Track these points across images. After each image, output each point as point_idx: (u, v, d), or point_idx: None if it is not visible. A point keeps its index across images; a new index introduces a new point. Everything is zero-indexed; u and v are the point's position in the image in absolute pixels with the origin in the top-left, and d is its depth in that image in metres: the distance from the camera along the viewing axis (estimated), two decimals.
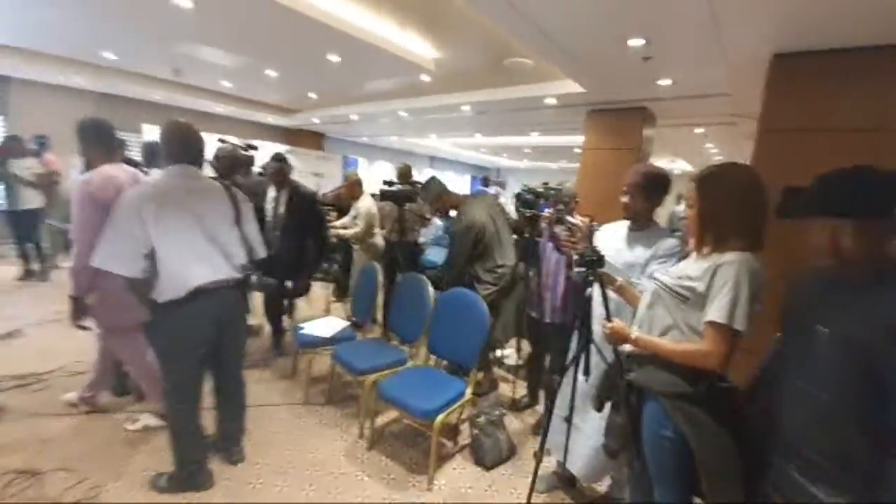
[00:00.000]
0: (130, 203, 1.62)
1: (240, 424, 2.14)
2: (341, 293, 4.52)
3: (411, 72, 4.37)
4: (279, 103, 7.43)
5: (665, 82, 3.57)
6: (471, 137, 9.42)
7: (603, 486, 2.08)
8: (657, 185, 1.72)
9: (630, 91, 4.03)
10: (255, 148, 3.46)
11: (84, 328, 2.01)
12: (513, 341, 3.26)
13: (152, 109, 7.12)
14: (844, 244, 1.03)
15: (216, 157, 3.00)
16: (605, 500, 2.03)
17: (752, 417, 1.20)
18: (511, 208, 3.03)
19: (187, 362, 1.78)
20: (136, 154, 4.18)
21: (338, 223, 3.94)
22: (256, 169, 3.72)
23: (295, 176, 3.20)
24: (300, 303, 3.55)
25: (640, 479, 1.41)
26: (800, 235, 1.12)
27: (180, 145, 1.79)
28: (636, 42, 2.76)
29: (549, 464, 2.17)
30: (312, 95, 6.40)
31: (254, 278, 1.91)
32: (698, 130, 5.80)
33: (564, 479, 2.08)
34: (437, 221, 4.62)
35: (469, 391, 2.19)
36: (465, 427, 2.45)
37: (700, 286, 1.20)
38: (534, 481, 1.74)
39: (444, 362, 2.59)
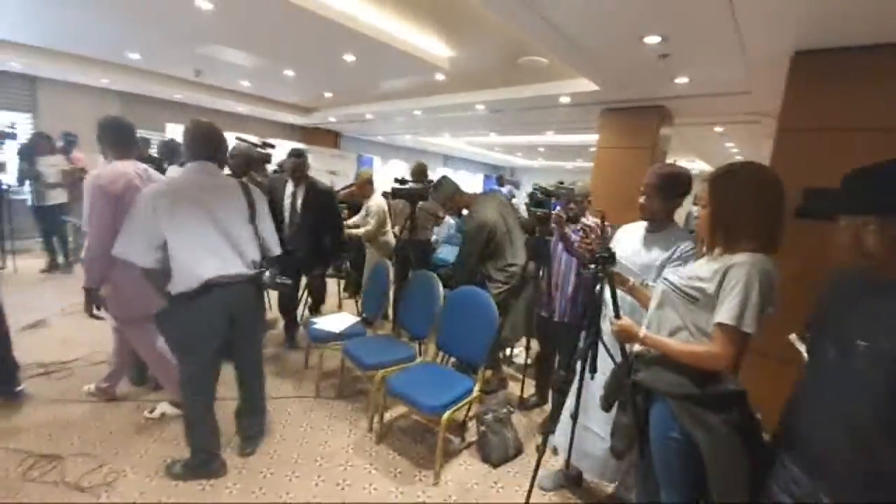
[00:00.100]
0: (146, 197, 1.71)
1: (258, 420, 2.18)
2: (353, 290, 4.57)
3: (425, 71, 4.39)
4: (296, 102, 7.54)
5: (682, 80, 3.51)
6: (485, 136, 9.40)
7: (610, 487, 2.06)
8: (674, 185, 1.68)
9: (646, 89, 3.97)
10: (272, 146, 3.52)
11: (98, 318, 2.09)
12: (522, 340, 3.25)
13: (174, 109, 7.31)
14: (869, 242, 0.99)
15: (230, 155, 3.07)
16: (612, 501, 2.02)
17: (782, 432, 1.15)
18: (523, 207, 3.02)
19: (200, 354, 1.83)
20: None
21: (349, 221, 3.98)
22: (272, 166, 3.79)
23: (310, 173, 3.26)
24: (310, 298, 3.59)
25: (647, 480, 1.40)
26: (817, 236, 1.09)
27: (201, 143, 1.85)
28: (652, 39, 2.72)
29: (557, 462, 2.16)
30: (328, 95, 6.48)
31: (267, 275, 1.92)
32: (718, 129, 5.68)
33: (571, 478, 2.07)
34: (450, 220, 4.63)
35: (477, 388, 2.20)
36: (472, 424, 2.46)
37: (710, 287, 1.18)
38: (535, 475, 1.75)
39: (453, 359, 2.60)
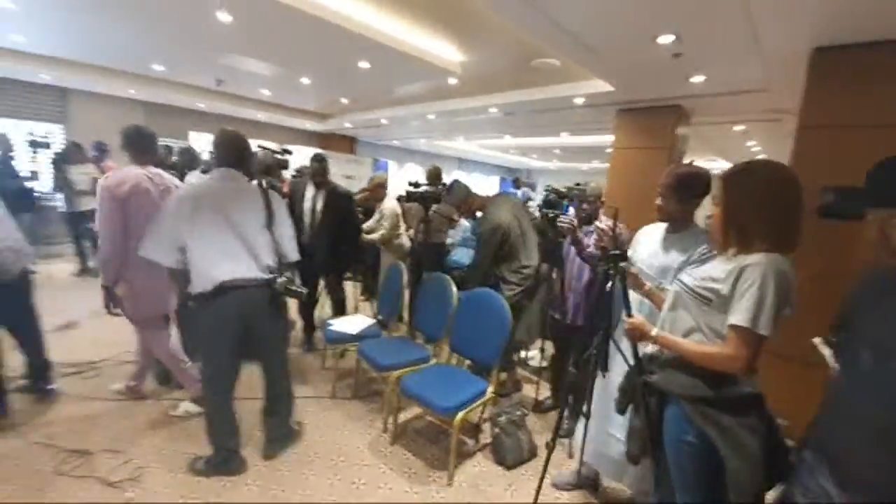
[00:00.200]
0: (172, 201, 1.82)
1: (282, 421, 2.18)
2: (369, 293, 4.63)
3: (438, 75, 4.44)
4: (313, 109, 7.70)
5: (698, 79, 3.46)
6: (499, 139, 9.40)
7: (628, 490, 2.03)
8: (690, 186, 1.65)
9: (661, 89, 3.92)
10: (289, 152, 3.61)
11: (116, 314, 2.21)
12: (537, 342, 3.24)
13: (197, 117, 7.55)
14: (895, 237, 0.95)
15: None
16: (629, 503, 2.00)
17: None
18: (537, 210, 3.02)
19: (217, 354, 1.89)
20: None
21: (364, 226, 4.04)
22: (290, 172, 3.88)
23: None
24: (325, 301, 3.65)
25: (661, 484, 1.38)
26: (839, 234, 1.06)
27: (225, 150, 1.94)
28: (665, 39, 2.69)
29: (574, 463, 2.15)
30: (344, 101, 6.60)
31: (279, 281, 1.92)
32: (738, 128, 5.56)
33: (588, 479, 2.06)
34: (465, 222, 4.65)
35: (490, 390, 2.21)
36: (487, 427, 2.46)
37: (724, 288, 1.16)
38: (543, 472, 1.75)
39: (468, 361, 2.61)
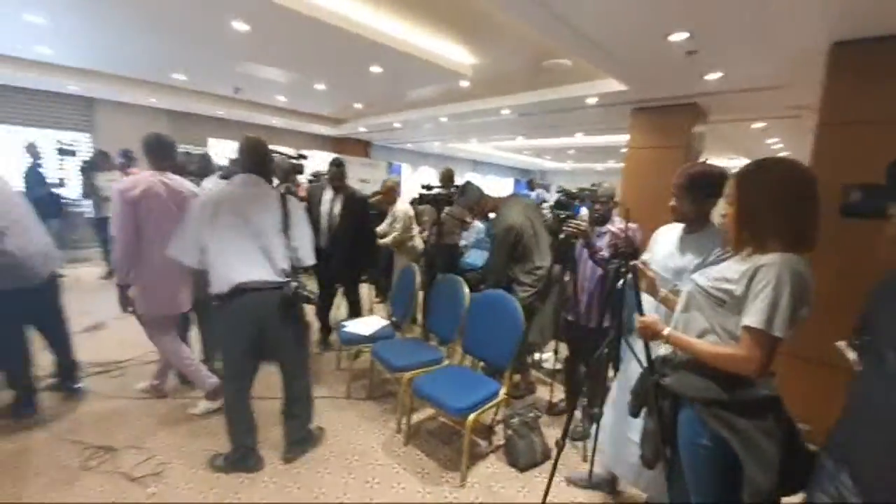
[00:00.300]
0: (196, 205, 1.92)
1: (300, 424, 2.18)
2: (383, 294, 4.67)
3: (450, 78, 4.46)
4: (327, 114, 7.82)
5: (713, 76, 3.40)
6: (512, 140, 9.38)
7: (645, 494, 2.01)
8: (704, 185, 1.61)
9: (675, 87, 3.87)
10: (305, 157, 3.69)
11: (131, 313, 2.32)
12: (551, 344, 3.22)
13: (216, 124, 7.75)
14: None
15: None
16: None
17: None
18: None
19: (233, 354, 1.96)
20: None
21: (378, 229, 4.09)
22: (305, 177, 3.96)
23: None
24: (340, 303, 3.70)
25: (674, 487, 1.36)
26: (860, 233, 1.04)
27: (246, 156, 2.02)
28: (678, 37, 2.66)
29: (588, 466, 2.13)
30: (358, 106, 6.69)
31: (292, 286, 1.92)
32: (757, 125, 5.43)
33: (605, 480, 2.04)
34: (478, 224, 4.66)
35: (503, 391, 2.21)
36: (500, 428, 2.46)
37: (738, 289, 1.13)
38: (553, 471, 1.75)
39: (482, 363, 2.61)
